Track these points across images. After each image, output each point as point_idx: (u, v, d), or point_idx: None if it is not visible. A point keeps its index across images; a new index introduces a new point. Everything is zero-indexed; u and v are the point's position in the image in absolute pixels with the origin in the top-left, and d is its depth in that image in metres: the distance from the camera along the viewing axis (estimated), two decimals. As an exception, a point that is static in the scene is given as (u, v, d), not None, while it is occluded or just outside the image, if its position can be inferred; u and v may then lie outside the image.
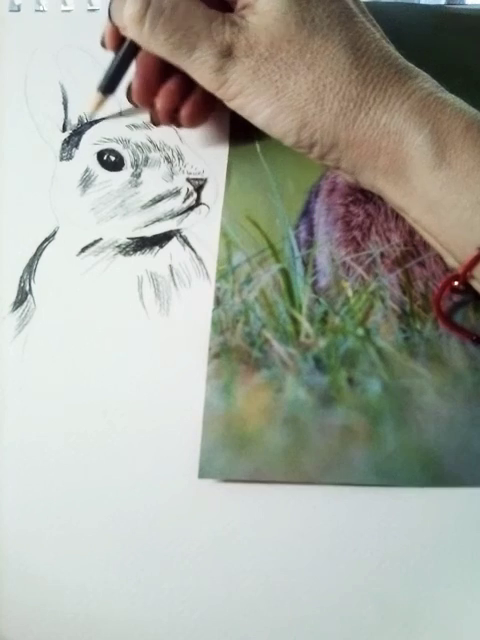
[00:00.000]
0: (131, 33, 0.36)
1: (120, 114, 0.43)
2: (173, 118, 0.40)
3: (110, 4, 0.37)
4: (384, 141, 0.34)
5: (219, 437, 0.36)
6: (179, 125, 0.40)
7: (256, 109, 0.35)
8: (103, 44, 0.39)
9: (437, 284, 0.38)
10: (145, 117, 0.42)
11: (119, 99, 0.43)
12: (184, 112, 0.39)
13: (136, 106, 0.41)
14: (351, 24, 0.35)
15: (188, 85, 0.37)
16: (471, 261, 0.34)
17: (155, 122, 0.41)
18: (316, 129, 0.35)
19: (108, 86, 0.40)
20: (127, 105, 0.42)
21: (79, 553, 0.35)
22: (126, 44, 0.38)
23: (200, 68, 0.35)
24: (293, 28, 0.34)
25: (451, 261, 0.36)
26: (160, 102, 0.39)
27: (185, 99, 0.39)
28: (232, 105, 0.36)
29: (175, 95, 0.39)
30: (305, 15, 0.34)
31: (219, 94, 0.36)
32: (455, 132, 0.33)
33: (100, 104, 0.41)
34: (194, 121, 0.40)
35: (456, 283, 0.36)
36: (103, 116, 0.42)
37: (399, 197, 0.35)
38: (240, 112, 0.36)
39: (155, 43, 0.35)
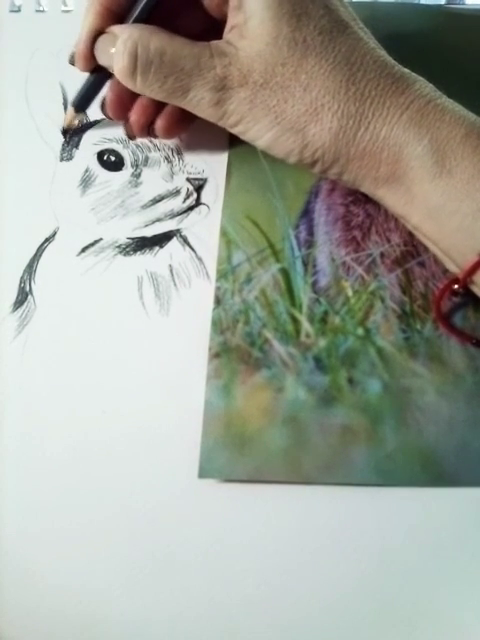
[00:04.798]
0: (125, 84, 0.36)
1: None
2: (149, 131, 0.40)
3: (93, 44, 0.37)
4: (384, 153, 0.34)
5: (219, 437, 0.35)
6: (155, 137, 0.41)
7: (257, 134, 0.35)
8: (72, 62, 0.39)
9: (437, 284, 0.38)
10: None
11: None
12: (159, 124, 0.40)
13: (110, 119, 0.41)
14: (344, 38, 0.34)
15: None
16: (472, 267, 0.34)
17: (130, 136, 0.41)
18: (317, 148, 0.35)
19: (82, 103, 0.40)
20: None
21: (79, 553, 0.35)
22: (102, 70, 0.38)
23: (198, 106, 0.35)
24: (285, 51, 0.34)
25: (452, 267, 0.36)
26: (134, 116, 0.40)
27: (160, 112, 0.39)
28: (234, 131, 0.36)
29: (149, 109, 0.39)
30: (296, 35, 0.34)
31: (220, 124, 0.36)
32: (454, 140, 0.33)
33: (74, 119, 0.41)
34: (170, 133, 0.40)
35: (456, 286, 0.36)
36: (103, 116, 0.42)
37: (400, 205, 0.35)
38: (242, 137, 0.36)
39: (150, 91, 0.36)
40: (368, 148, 0.34)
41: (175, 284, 0.40)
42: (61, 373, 0.38)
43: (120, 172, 0.42)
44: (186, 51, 0.35)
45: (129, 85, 0.36)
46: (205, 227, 0.40)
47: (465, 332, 0.37)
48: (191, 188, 0.41)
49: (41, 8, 0.46)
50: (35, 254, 0.41)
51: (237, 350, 0.37)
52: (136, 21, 0.36)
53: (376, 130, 0.34)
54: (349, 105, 0.34)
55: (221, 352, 0.37)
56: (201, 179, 0.41)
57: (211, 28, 0.37)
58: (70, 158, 0.42)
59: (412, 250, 0.39)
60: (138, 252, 0.40)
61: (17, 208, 0.42)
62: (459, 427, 0.35)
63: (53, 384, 0.38)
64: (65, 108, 0.43)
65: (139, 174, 0.42)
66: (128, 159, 0.42)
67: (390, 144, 0.34)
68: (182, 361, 0.38)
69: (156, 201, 0.41)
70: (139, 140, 0.42)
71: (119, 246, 0.41)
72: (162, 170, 0.42)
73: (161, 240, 0.41)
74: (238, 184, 0.41)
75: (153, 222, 0.41)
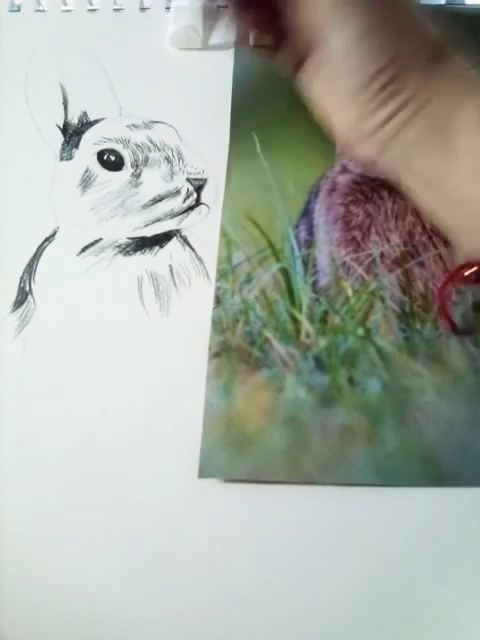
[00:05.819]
0: None
1: (120, 114, 0.43)
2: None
3: None
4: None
5: (219, 437, 0.35)
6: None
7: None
8: None
9: (437, 284, 0.38)
10: (145, 117, 0.42)
11: (119, 100, 0.43)
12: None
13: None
14: None
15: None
16: None
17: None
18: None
19: None
20: (126, 107, 0.43)
21: (79, 553, 0.35)
22: None
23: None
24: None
25: (469, 246, 0.35)
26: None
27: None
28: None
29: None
30: None
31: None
32: None
33: None
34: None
35: (467, 273, 0.35)
36: (103, 116, 0.42)
37: (436, 163, 0.34)
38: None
39: None
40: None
41: (175, 284, 0.40)
42: (61, 373, 0.38)
43: (120, 172, 0.42)
44: None
45: None
46: (205, 227, 0.40)
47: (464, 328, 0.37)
48: (191, 188, 0.41)
49: (41, 8, 0.46)
50: (35, 254, 0.41)
51: (237, 350, 0.37)
52: None
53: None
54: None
55: (221, 352, 0.37)
56: (201, 179, 0.41)
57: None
58: (70, 158, 0.42)
59: (412, 250, 0.39)
60: (138, 252, 0.40)
61: (17, 208, 0.42)
62: (459, 427, 0.35)
63: (53, 384, 0.38)
64: (65, 108, 0.43)
65: (139, 174, 0.42)
66: (128, 159, 0.42)
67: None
68: (182, 361, 0.38)
69: (156, 201, 0.41)
70: (139, 140, 0.42)
71: (119, 246, 0.41)
72: (162, 170, 0.42)
73: (161, 240, 0.41)
74: (238, 184, 0.41)
75: (153, 222, 0.41)
